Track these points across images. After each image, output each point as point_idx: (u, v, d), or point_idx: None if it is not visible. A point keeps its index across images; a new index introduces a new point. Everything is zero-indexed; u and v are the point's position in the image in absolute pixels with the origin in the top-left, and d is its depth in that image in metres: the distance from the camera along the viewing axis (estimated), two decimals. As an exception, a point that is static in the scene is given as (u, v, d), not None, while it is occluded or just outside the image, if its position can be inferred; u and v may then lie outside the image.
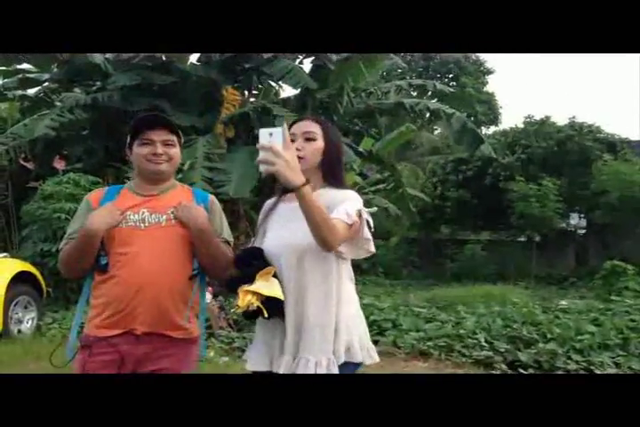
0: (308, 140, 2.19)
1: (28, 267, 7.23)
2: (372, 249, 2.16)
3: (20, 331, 6.86)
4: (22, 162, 10.80)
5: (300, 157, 2.13)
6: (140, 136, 2.35)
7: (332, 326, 2.07)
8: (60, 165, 10.08)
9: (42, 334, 6.79)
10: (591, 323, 6.84)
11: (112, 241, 2.28)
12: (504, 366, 5.62)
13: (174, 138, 2.39)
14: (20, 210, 9.87)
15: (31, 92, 12.38)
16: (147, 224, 2.30)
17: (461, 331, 6.40)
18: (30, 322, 7.05)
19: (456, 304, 8.35)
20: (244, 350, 6.12)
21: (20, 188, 10.89)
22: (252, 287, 2.01)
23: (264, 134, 1.89)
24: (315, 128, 2.22)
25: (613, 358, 5.77)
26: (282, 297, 2.02)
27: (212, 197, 2.50)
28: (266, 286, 2.02)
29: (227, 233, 2.46)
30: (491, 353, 5.85)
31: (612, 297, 9.27)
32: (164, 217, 2.33)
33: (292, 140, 2.07)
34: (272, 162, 1.85)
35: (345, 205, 2.07)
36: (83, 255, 2.28)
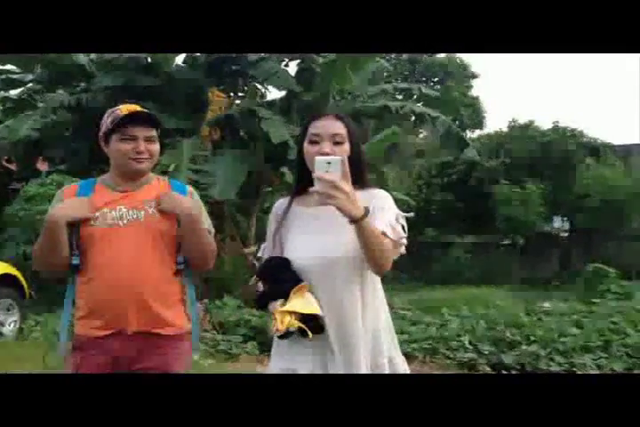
0: (337, 143, 2.01)
1: (10, 269, 7.15)
2: (403, 251, 2.02)
3: (1, 334, 6.80)
4: (5, 164, 10.73)
5: None
6: (123, 131, 2.25)
7: (370, 334, 1.99)
8: (43, 166, 10.03)
9: (24, 338, 6.73)
10: (573, 325, 6.90)
11: (91, 240, 2.21)
12: (488, 368, 5.66)
13: (155, 133, 2.31)
14: (2, 212, 9.79)
15: (14, 93, 12.30)
16: (125, 221, 2.24)
17: (446, 333, 6.44)
18: (12, 325, 6.98)
19: (440, 307, 8.39)
20: (228, 353, 6.22)
21: (1, 189, 10.81)
22: (289, 307, 1.90)
23: (321, 163, 1.80)
24: (341, 129, 2.04)
25: (595, 360, 5.83)
26: (320, 312, 1.92)
27: (190, 188, 2.44)
28: (302, 303, 1.92)
29: (207, 222, 2.40)
30: (474, 355, 5.90)
31: (594, 300, 9.35)
32: (142, 213, 2.26)
33: (316, 142, 1.99)
34: (332, 196, 1.78)
35: (387, 215, 1.98)
36: (49, 249, 2.21)
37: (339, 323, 1.97)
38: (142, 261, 2.21)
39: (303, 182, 2.03)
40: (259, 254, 2.21)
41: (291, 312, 1.89)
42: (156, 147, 2.31)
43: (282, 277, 1.98)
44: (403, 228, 2.01)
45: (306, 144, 2.03)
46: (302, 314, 1.89)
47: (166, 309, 2.26)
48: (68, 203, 2.26)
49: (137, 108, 2.31)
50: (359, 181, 2.00)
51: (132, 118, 2.25)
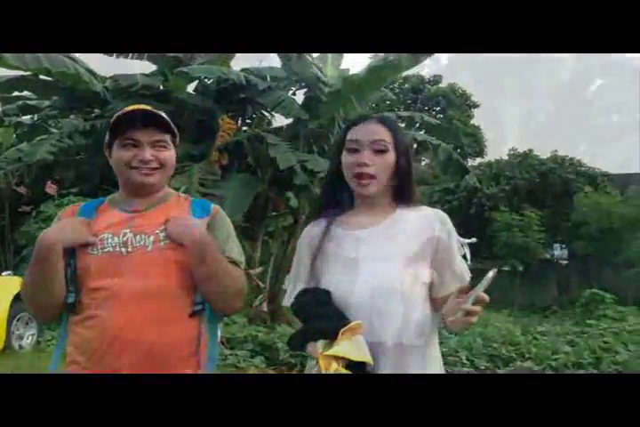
0: (379, 152, 1.73)
1: (28, 285, 7.46)
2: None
3: (20, 346, 7.09)
4: (15, 187, 11.03)
5: (371, 176, 1.73)
6: (122, 135, 1.80)
7: None
8: (51, 190, 10.31)
9: (41, 350, 7.00)
10: (567, 344, 7.18)
11: (86, 272, 1.74)
12: (483, 383, 5.93)
13: (167, 137, 1.85)
14: (13, 233, 10.10)
15: (26, 118, 12.71)
16: (130, 249, 1.75)
17: (444, 349, 6.71)
18: (30, 338, 7.29)
19: (439, 328, 8.61)
20: (236, 366, 6.47)
21: (11, 213, 11.14)
22: (338, 352, 1.56)
23: None
24: (385, 135, 1.74)
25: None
26: (371, 361, 1.59)
27: (216, 208, 1.92)
28: (352, 347, 1.57)
29: (235, 251, 1.86)
30: (471, 370, 6.17)
31: (589, 321, 9.62)
32: (152, 238, 1.76)
33: (356, 150, 1.74)
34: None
35: (457, 257, 1.81)
36: (42, 283, 1.73)
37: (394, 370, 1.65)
38: (149, 299, 1.70)
39: (340, 199, 1.82)
40: (283, 286, 1.91)
41: (338, 357, 1.56)
42: (167, 154, 1.83)
43: (322, 314, 1.65)
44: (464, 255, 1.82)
45: (344, 153, 1.76)
46: (349, 360, 1.56)
47: (180, 361, 1.73)
48: (63, 223, 1.80)
49: (142, 107, 1.87)
50: (406, 198, 1.78)
51: (129, 118, 1.80)
